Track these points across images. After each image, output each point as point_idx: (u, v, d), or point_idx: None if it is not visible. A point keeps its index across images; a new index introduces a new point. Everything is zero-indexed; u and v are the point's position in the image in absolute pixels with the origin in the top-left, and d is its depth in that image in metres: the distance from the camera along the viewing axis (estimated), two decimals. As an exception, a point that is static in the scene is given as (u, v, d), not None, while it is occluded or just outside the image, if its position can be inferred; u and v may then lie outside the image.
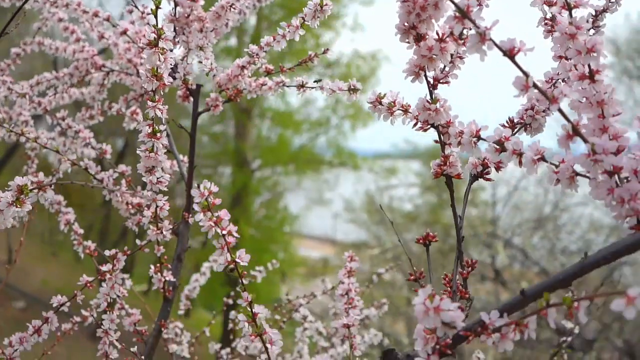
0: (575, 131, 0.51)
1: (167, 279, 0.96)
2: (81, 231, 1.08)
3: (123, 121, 1.19)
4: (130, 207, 1.01)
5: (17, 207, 0.67)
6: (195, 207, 0.61)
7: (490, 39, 0.49)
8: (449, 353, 0.55)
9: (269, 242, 10.79)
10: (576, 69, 0.55)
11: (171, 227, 0.90)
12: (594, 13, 0.71)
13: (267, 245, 10.33)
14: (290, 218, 11.70)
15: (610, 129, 0.53)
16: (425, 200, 10.37)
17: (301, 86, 0.96)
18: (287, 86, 0.97)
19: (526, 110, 0.68)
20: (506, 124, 0.68)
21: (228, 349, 1.36)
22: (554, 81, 0.68)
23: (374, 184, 10.74)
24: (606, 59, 0.53)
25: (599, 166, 0.50)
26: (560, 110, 0.50)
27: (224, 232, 0.62)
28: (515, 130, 0.69)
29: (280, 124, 12.31)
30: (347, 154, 11.53)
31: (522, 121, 0.68)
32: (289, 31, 0.90)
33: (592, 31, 0.71)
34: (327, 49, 0.98)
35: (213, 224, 0.61)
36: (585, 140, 0.50)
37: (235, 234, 0.62)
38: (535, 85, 0.50)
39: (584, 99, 0.53)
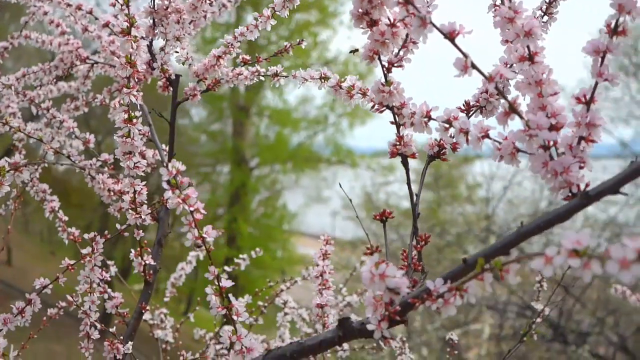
0: (512, 108, 0.54)
1: (147, 262, 0.99)
2: (66, 218, 1.11)
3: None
4: (111, 193, 1.04)
5: (-4, 188, 0.70)
6: (164, 185, 0.64)
7: (431, 23, 0.53)
8: (399, 320, 0.59)
9: (268, 240, 10.82)
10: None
11: (150, 211, 0.93)
12: (547, 0, 0.74)
13: (265, 244, 10.37)
14: (288, 216, 11.73)
15: (548, 107, 0.56)
16: (422, 197, 10.41)
17: (275, 75, 0.99)
18: (263, 75, 1.01)
19: (481, 93, 0.71)
20: (462, 107, 0.72)
21: (211, 334, 1.40)
22: (507, 65, 0.71)
23: (371, 182, 10.77)
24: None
25: (534, 141, 0.54)
26: (497, 89, 0.54)
27: (192, 209, 0.65)
28: (472, 112, 0.72)
29: (278, 122, 12.34)
30: (345, 151, 11.57)
31: (477, 104, 0.71)
32: (261, 21, 0.93)
33: (545, 17, 0.75)
34: (302, 40, 1.01)
35: (181, 201, 0.65)
36: (521, 117, 0.54)
37: (203, 211, 0.66)
38: (473, 66, 0.53)
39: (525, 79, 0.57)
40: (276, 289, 1.36)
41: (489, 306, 5.76)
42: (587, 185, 0.53)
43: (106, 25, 1.06)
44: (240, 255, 1.42)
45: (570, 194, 0.53)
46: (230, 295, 0.68)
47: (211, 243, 0.67)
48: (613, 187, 0.50)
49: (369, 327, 0.58)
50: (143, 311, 1.01)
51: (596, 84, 0.55)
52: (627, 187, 0.51)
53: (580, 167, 0.54)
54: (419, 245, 0.66)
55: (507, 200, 7.45)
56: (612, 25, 0.54)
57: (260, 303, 1.33)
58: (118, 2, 0.78)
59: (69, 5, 1.13)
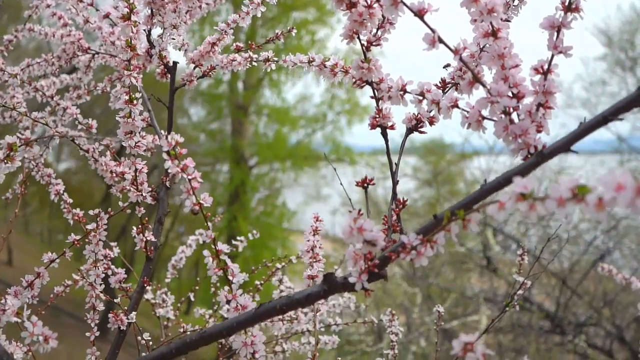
0: (475, 78, 0.60)
1: (148, 239, 1.05)
2: (70, 200, 1.17)
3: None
4: (114, 175, 1.10)
5: (7, 162, 0.76)
6: (164, 155, 0.70)
7: (402, 2, 0.59)
8: (378, 274, 0.65)
9: (268, 238, 10.87)
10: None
11: (150, 189, 0.99)
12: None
13: (265, 242, 10.42)
14: (288, 214, 11.78)
15: (510, 79, 0.62)
16: (422, 194, 10.48)
17: (267, 60, 1.05)
18: (255, 61, 1.07)
19: (456, 71, 0.77)
20: (438, 84, 0.78)
21: (210, 311, 1.46)
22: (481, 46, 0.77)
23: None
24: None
25: (496, 107, 0.60)
26: (462, 61, 0.60)
27: (190, 177, 0.71)
28: (447, 88, 0.78)
29: (277, 120, 12.39)
30: (344, 149, 11.62)
31: (452, 81, 0.77)
32: (251, 8, 0.99)
33: (516, 1, 0.81)
34: (292, 28, 1.07)
35: (180, 170, 0.70)
36: (484, 86, 0.60)
37: (200, 180, 0.72)
38: (440, 40, 0.59)
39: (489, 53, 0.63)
40: (272, 269, 1.42)
41: (487, 299, 5.82)
42: (543, 146, 0.59)
43: (106, 16, 1.12)
44: (238, 237, 1.48)
45: (528, 155, 0.59)
46: (227, 258, 0.74)
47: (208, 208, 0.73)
48: (564, 145, 0.56)
49: (351, 279, 0.64)
50: (145, 285, 1.07)
51: (552, 55, 0.60)
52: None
53: (539, 131, 0.60)
54: (397, 209, 0.72)
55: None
56: (567, 3, 0.60)
57: (258, 282, 1.39)
58: (118, -9, 0.83)
59: (71, -3, 1.19)
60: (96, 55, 1.28)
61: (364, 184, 0.76)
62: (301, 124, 12.45)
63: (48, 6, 1.28)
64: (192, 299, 1.48)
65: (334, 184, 12.21)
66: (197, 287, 1.54)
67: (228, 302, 0.72)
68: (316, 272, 0.99)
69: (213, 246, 0.74)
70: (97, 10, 1.17)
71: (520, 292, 1.13)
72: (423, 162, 10.73)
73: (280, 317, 1.29)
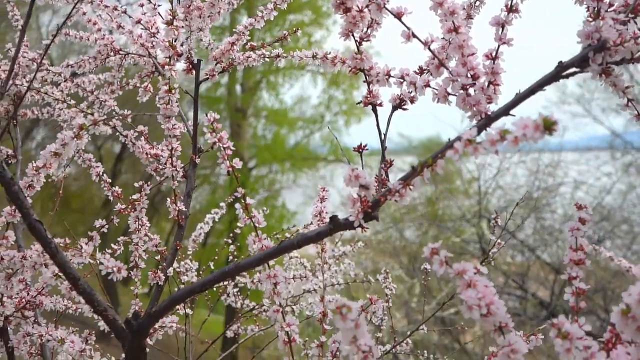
0: (440, 63, 0.80)
1: (180, 209, 1.26)
2: (109, 180, 1.37)
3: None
4: (148, 156, 1.30)
5: (77, 139, 0.96)
6: (205, 129, 0.90)
7: (385, 7, 0.79)
8: (371, 214, 0.85)
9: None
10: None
11: (183, 165, 1.20)
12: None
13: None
14: (288, 215, 11.95)
15: (467, 63, 0.82)
16: (421, 192, 10.70)
17: (277, 56, 1.25)
18: (267, 57, 1.27)
19: (430, 59, 0.97)
20: (417, 71, 0.98)
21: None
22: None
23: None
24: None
25: (456, 84, 0.80)
26: (430, 50, 0.80)
27: (225, 146, 0.91)
28: (424, 73, 0.98)
29: (275, 122, 12.58)
30: (345, 150, 11.80)
31: (427, 67, 0.97)
32: (265, 13, 1.19)
33: (477, 2, 1.01)
34: (297, 29, 1.27)
35: (217, 140, 0.91)
36: (446, 68, 0.80)
37: (232, 147, 0.92)
38: (413, 35, 0.79)
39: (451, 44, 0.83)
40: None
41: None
42: (490, 114, 0.79)
43: (138, 22, 1.32)
44: (239, 224, 1.67)
45: (480, 119, 0.79)
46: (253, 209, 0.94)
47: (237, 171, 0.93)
48: (504, 111, 0.76)
49: (350, 218, 0.84)
50: (177, 247, 1.27)
51: (498, 45, 0.81)
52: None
53: (489, 102, 0.80)
54: (385, 167, 0.92)
55: (498, 187, 7.74)
56: (509, 5, 0.81)
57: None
58: (155, 4, 1.04)
59: (106, 6, 1.39)
60: (127, 56, 1.48)
61: (359, 149, 0.96)
62: (299, 125, 12.65)
63: (84, 14, 1.48)
64: (212, 267, 1.68)
65: (333, 184, 12.37)
66: (216, 258, 1.74)
67: (254, 243, 0.92)
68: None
69: (243, 201, 0.94)
70: (130, 17, 1.37)
71: (494, 250, 1.33)
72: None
73: (293, 276, 1.49)
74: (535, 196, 7.39)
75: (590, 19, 0.74)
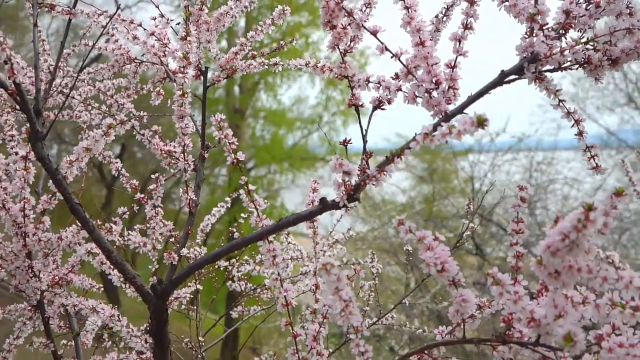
0: (408, 71, 0.98)
1: (191, 197, 1.43)
2: (127, 175, 1.55)
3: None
4: (162, 152, 1.48)
5: (106, 137, 1.14)
6: (213, 127, 1.08)
7: (363, 26, 0.97)
8: (354, 196, 1.03)
9: (267, 238, 11.17)
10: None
11: (194, 159, 1.37)
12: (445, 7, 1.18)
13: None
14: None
15: (432, 72, 1.00)
16: (418, 192, 10.89)
17: (275, 64, 1.43)
18: (267, 65, 1.45)
19: (402, 68, 1.15)
20: (393, 77, 1.16)
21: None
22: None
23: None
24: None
25: (421, 89, 0.98)
26: (400, 61, 0.98)
27: (230, 141, 1.09)
28: (399, 79, 1.16)
29: (273, 123, 12.74)
30: (341, 149, 11.98)
31: (399, 75, 1.15)
32: (265, 27, 1.38)
33: (444, 18, 1.19)
34: (293, 39, 1.45)
35: (223, 137, 1.09)
36: (413, 75, 0.98)
37: (236, 143, 1.10)
38: (386, 48, 0.97)
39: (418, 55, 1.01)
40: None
41: (475, 282, 6.21)
42: (449, 112, 0.97)
43: (152, 34, 1.50)
44: (242, 215, 1.86)
45: (442, 117, 0.97)
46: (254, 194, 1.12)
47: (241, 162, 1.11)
48: (459, 110, 0.94)
49: (336, 199, 1.01)
50: (189, 232, 1.45)
51: (456, 57, 0.99)
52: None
53: (448, 103, 0.98)
54: (366, 157, 1.10)
55: (492, 185, 7.93)
56: (464, 23, 0.99)
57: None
58: (169, 19, 1.22)
59: (123, 20, 1.57)
60: (141, 64, 1.66)
61: (345, 143, 1.15)
62: (297, 126, 12.82)
63: (103, 27, 1.66)
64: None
65: (331, 184, 12.44)
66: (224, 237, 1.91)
67: (257, 222, 1.10)
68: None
69: (246, 187, 1.12)
70: (144, 29, 1.55)
71: (467, 233, 1.50)
72: (418, 160, 11.15)
73: (290, 257, 1.67)
74: (530, 193, 7.57)
75: (526, 36, 0.92)
